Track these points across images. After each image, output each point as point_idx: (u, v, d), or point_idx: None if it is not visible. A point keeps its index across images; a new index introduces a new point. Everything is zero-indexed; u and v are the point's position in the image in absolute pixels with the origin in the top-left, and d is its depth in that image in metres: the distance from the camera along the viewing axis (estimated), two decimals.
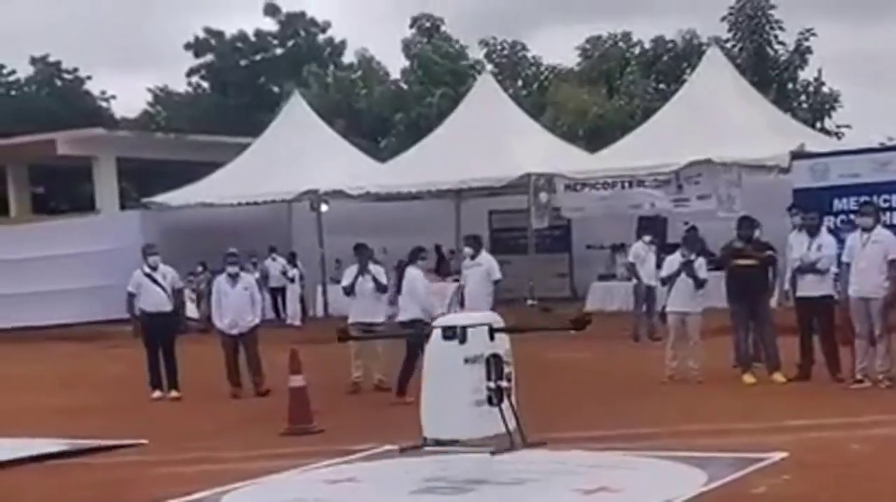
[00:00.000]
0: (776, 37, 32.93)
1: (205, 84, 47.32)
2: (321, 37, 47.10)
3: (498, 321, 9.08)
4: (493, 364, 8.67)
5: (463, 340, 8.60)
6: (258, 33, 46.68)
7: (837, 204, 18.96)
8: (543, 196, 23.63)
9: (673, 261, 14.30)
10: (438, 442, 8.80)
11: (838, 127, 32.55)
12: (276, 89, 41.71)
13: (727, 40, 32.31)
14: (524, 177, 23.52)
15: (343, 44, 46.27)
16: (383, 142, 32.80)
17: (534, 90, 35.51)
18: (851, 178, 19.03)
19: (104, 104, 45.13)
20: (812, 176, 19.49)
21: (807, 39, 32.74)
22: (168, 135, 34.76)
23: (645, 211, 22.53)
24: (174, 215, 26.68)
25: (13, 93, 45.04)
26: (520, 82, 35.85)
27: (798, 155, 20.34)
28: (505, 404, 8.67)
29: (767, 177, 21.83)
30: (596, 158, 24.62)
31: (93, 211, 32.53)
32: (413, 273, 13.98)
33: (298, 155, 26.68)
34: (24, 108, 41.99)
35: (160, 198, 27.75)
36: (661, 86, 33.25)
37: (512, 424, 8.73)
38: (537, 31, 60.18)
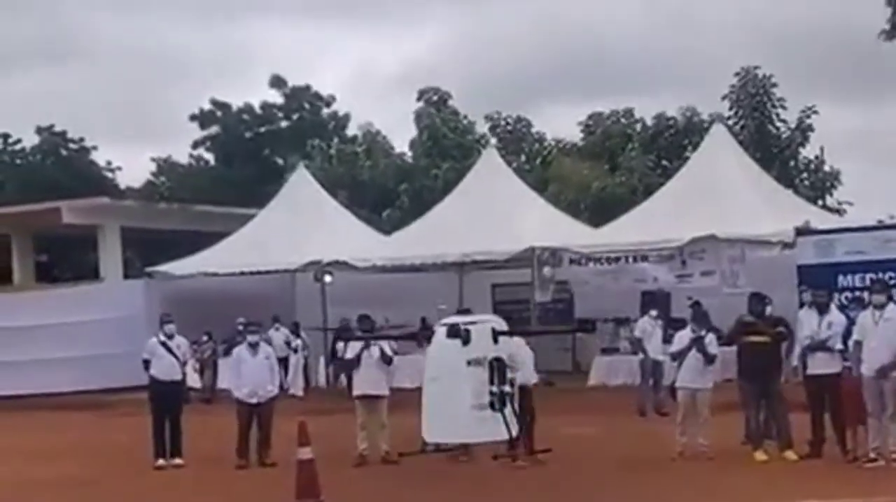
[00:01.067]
0: (778, 114, 33.23)
1: (209, 156, 47.63)
2: (325, 110, 47.52)
3: (501, 324, 8.88)
4: (497, 368, 8.47)
5: (466, 341, 8.40)
6: (264, 105, 47.09)
7: (842, 280, 18.97)
8: (547, 270, 23.70)
9: (683, 336, 14.30)
10: (439, 449, 8.59)
11: (840, 204, 32.71)
12: (280, 161, 41.97)
13: (728, 118, 32.59)
14: (528, 250, 23.60)
15: (347, 117, 46.69)
16: (386, 214, 32.94)
17: (537, 165, 35.74)
18: (857, 255, 19.06)
19: (109, 174, 45.38)
20: (817, 252, 19.54)
21: (808, 117, 33.03)
22: (172, 206, 34.91)
23: (648, 285, 22.58)
24: (178, 284, 26.70)
25: (19, 162, 45.28)
26: (523, 157, 36.09)
27: (802, 231, 20.41)
28: (508, 410, 8.46)
29: (771, 253, 21.91)
30: (600, 233, 24.71)
31: (97, 279, 32.55)
32: (516, 340, 13.99)
33: (302, 226, 26.80)
34: (29, 177, 42.21)
35: (164, 268, 27.80)
36: (663, 162, 33.49)
37: (515, 431, 8.52)
38: (541, 107, 60.77)
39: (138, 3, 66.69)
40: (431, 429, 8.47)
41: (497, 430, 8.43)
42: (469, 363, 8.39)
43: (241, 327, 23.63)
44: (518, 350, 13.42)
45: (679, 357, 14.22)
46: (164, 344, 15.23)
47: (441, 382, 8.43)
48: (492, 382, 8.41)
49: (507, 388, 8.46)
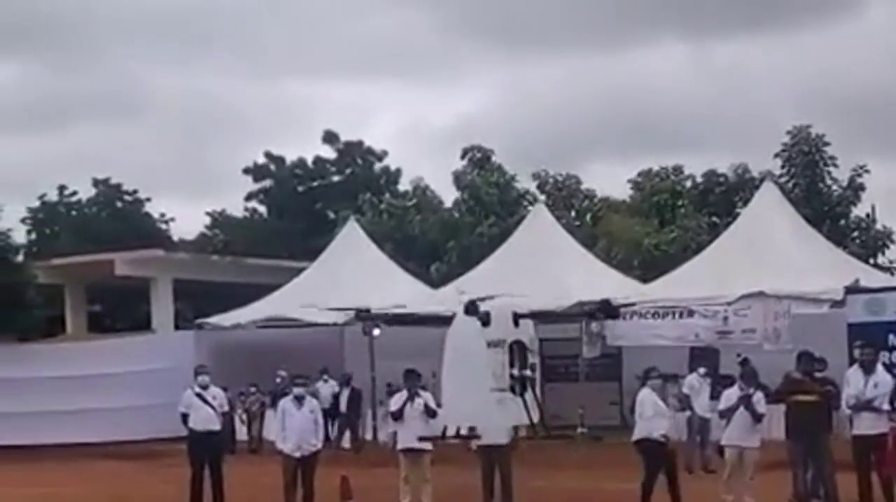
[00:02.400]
0: (829, 173, 33.11)
1: (262, 208, 48.15)
2: (377, 165, 47.94)
3: (521, 307, 8.70)
4: (517, 351, 8.30)
5: (486, 322, 8.23)
6: (317, 160, 47.60)
7: (893, 339, 18.84)
8: (595, 325, 23.63)
9: (731, 394, 14.20)
10: (458, 436, 8.37)
11: (891, 262, 32.44)
12: (331, 215, 42.34)
13: (780, 175, 32.52)
14: (576, 305, 23.56)
15: (398, 172, 47.05)
16: (434, 268, 33.08)
17: (586, 221, 35.78)
18: None
19: (163, 226, 45.97)
20: (867, 311, 19.41)
21: (860, 176, 32.88)
22: (224, 258, 35.28)
23: (690, 342, 22.45)
24: (227, 335, 26.95)
25: (74, 213, 46.00)
26: (573, 213, 36.15)
27: (853, 289, 20.28)
28: (528, 394, 8.30)
29: (819, 310, 21.73)
30: (648, 288, 24.66)
31: (149, 330, 32.91)
32: (643, 394, 14.05)
33: (352, 279, 26.97)
34: (84, 228, 42.85)
35: (214, 319, 28.06)
36: (713, 218, 33.42)
37: (535, 416, 8.33)
38: (589, 163, 60.95)
39: (196, 58, 67.97)
40: (450, 413, 8.29)
41: (518, 415, 8.22)
42: (489, 345, 8.21)
43: (281, 379, 23.98)
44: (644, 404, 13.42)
45: (727, 414, 14.13)
46: (199, 395, 15.39)
47: (460, 364, 8.24)
48: (512, 365, 8.25)
49: (528, 373, 8.28)
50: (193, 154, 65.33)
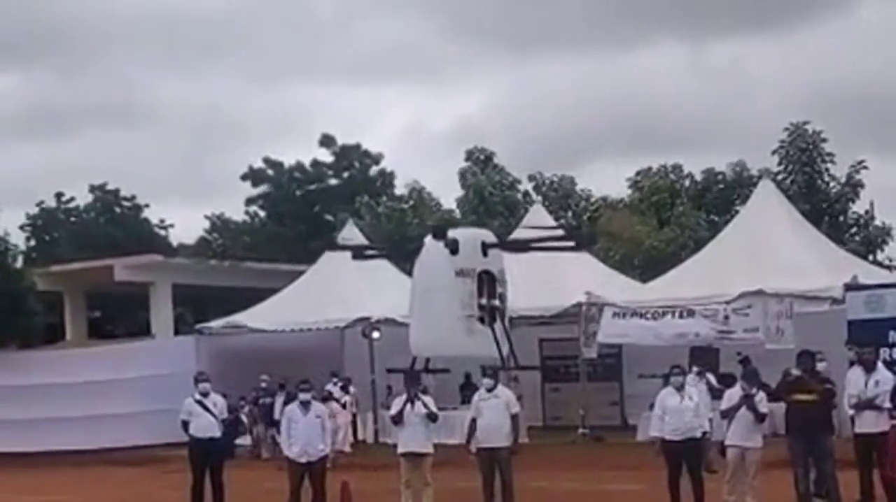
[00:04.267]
0: (827, 170, 33.12)
1: (262, 213, 48.16)
2: (374, 168, 47.95)
3: (490, 237, 8.55)
4: (486, 281, 8.20)
5: (455, 251, 8.12)
6: (314, 164, 47.61)
7: (893, 336, 18.82)
8: (594, 326, 23.61)
9: (733, 394, 14.18)
10: (427, 369, 8.23)
11: (891, 259, 32.45)
12: (330, 218, 42.34)
13: (778, 173, 32.52)
14: (575, 306, 23.56)
15: (393, 174, 47.11)
16: None
17: (584, 220, 35.81)
18: None
19: (162, 231, 45.97)
20: (867, 308, 19.40)
21: (858, 172, 32.89)
22: (223, 263, 35.25)
23: (690, 341, 22.40)
24: (227, 340, 26.92)
25: (73, 219, 46.00)
26: (570, 213, 36.19)
27: (852, 287, 20.26)
28: (498, 325, 8.20)
29: (820, 308, 21.71)
30: (647, 288, 24.64)
31: (148, 335, 32.89)
32: (664, 392, 14.06)
33: (351, 282, 26.92)
34: (83, 234, 42.88)
35: (214, 324, 28.04)
36: (712, 216, 33.43)
37: (505, 347, 8.24)
38: (589, 163, 60.97)
39: (194, 64, 68.07)
40: (419, 341, 8.19)
41: (486, 346, 8.13)
42: (457, 274, 8.11)
43: (266, 383, 24.06)
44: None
45: (729, 414, 14.10)
46: (199, 402, 15.41)
47: (429, 291, 8.15)
48: (481, 295, 8.15)
49: (496, 303, 8.18)
50: (192, 159, 65.48)
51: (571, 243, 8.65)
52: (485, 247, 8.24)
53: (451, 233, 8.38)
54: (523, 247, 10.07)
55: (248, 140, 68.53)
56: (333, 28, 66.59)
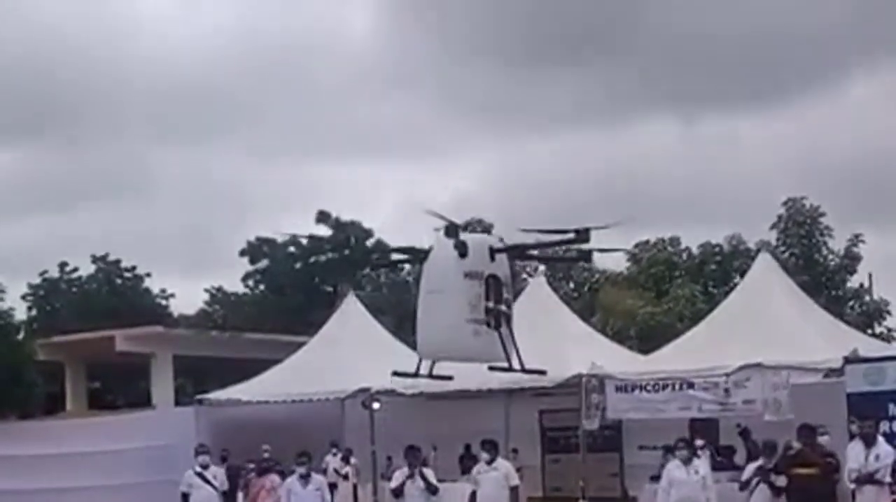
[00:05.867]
0: (825, 243, 33.38)
1: (261, 285, 48.30)
2: (370, 240, 48.23)
3: (497, 243, 8.62)
4: (493, 285, 8.27)
5: (464, 254, 8.19)
6: (312, 238, 47.96)
7: (893, 409, 18.86)
8: (594, 397, 23.68)
9: (751, 467, 14.19)
10: (432, 375, 8.20)
11: (889, 331, 32.57)
12: (329, 289, 42.51)
13: (776, 246, 32.78)
14: (575, 377, 23.65)
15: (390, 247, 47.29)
16: None
17: (585, 292, 36.00)
18: None
19: (163, 302, 46.11)
20: (866, 380, 19.44)
21: (856, 246, 33.14)
22: (223, 334, 35.37)
23: (691, 413, 22.48)
24: (228, 411, 26.93)
25: (75, 290, 46.18)
26: (571, 284, 36.38)
27: (851, 359, 20.34)
28: (504, 329, 8.25)
29: (819, 381, 21.79)
30: (647, 360, 24.76)
31: (149, 406, 32.89)
32: (670, 465, 14.03)
33: (352, 353, 27.03)
34: (85, 304, 43.00)
35: (214, 395, 28.07)
36: (710, 289, 33.63)
37: (511, 351, 8.26)
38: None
39: (197, 139, 68.63)
40: (426, 344, 8.23)
41: (493, 349, 8.18)
42: (465, 276, 8.21)
43: (268, 453, 24.02)
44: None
45: (745, 487, 14.12)
46: (200, 474, 15.51)
47: (437, 293, 8.22)
48: (488, 298, 8.25)
49: (503, 307, 8.27)
50: (194, 231, 65.74)
51: (574, 252, 8.73)
52: (492, 252, 8.38)
53: (461, 236, 8.53)
54: (530, 248, 10.08)
55: (249, 213, 68.97)
56: (333, 106, 67.43)
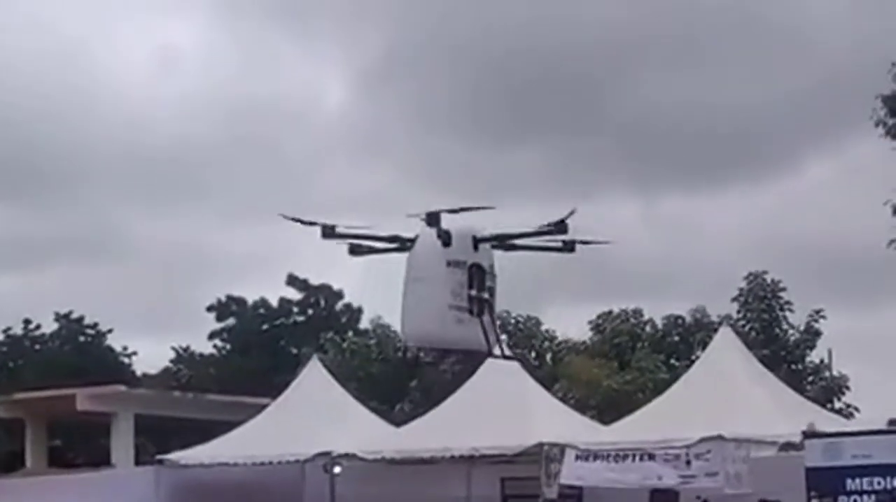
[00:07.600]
0: (785, 317, 33.80)
1: (227, 346, 48.26)
2: (340, 303, 48.35)
3: (481, 232, 8.73)
4: (476, 274, 8.37)
5: (447, 243, 8.31)
6: (281, 301, 48.09)
7: (850, 484, 19.04)
8: (555, 466, 23.78)
9: None
10: (417, 362, 8.31)
11: (848, 407, 32.88)
12: (294, 351, 42.49)
13: (737, 319, 33.16)
14: (537, 445, 23.77)
15: (360, 310, 47.44)
16: (398, 408, 33.18)
17: (547, 361, 36.18)
18: (864, 459, 19.16)
19: (125, 360, 45.93)
20: (825, 456, 19.64)
21: (816, 321, 33.57)
22: (186, 395, 35.26)
23: (652, 484, 22.61)
24: (187, 473, 26.76)
25: (37, 347, 45.96)
26: (533, 353, 36.56)
27: (809, 434, 20.57)
28: (486, 317, 8.34)
29: (777, 454, 22.04)
30: (609, 430, 24.92)
31: (109, 465, 32.64)
32: None
33: (314, 417, 27.02)
34: (47, 362, 42.79)
35: (175, 456, 27.91)
36: (672, 360, 33.92)
37: (493, 338, 8.34)
38: (548, 307, 61.47)
39: (166, 202, 68.48)
40: (409, 329, 8.35)
41: (475, 336, 8.28)
42: (449, 264, 8.32)
43: None
44: None
45: None
46: None
47: (420, 280, 8.34)
48: (471, 286, 8.36)
49: (485, 295, 8.38)
50: (159, 292, 65.47)
51: (559, 243, 8.89)
52: (476, 242, 8.57)
53: (444, 226, 8.69)
54: (513, 237, 10.19)
55: (216, 276, 68.74)
56: (301, 172, 67.89)
